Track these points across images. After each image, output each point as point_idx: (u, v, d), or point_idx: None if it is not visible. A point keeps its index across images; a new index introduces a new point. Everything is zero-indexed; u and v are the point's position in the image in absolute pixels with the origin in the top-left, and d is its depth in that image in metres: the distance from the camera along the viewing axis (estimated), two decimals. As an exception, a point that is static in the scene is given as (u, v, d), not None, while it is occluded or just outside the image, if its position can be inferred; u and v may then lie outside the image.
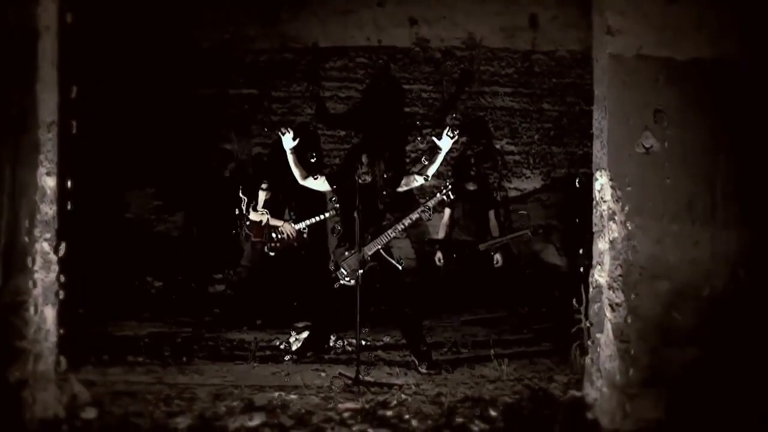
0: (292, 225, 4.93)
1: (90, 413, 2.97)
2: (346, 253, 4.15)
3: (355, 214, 3.73)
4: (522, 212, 6.42)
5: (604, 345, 2.84)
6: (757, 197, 2.80)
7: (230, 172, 6.71)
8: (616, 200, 2.82)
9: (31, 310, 2.77)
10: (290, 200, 5.10)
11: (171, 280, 6.05)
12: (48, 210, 2.83)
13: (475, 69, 6.82)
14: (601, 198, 2.88)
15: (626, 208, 2.81)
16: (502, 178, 6.68)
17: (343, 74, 6.87)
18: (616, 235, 2.82)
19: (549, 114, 6.84)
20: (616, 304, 2.81)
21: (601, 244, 2.88)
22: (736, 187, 2.81)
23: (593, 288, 2.96)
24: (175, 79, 6.53)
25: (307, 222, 4.94)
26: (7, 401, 2.72)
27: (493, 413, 2.89)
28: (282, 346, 4.39)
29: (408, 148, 6.47)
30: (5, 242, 2.70)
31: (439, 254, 5.16)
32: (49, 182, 2.83)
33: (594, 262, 2.95)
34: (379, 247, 4.12)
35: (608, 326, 2.82)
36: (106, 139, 6.02)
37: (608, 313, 2.82)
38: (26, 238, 2.75)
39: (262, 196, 5.09)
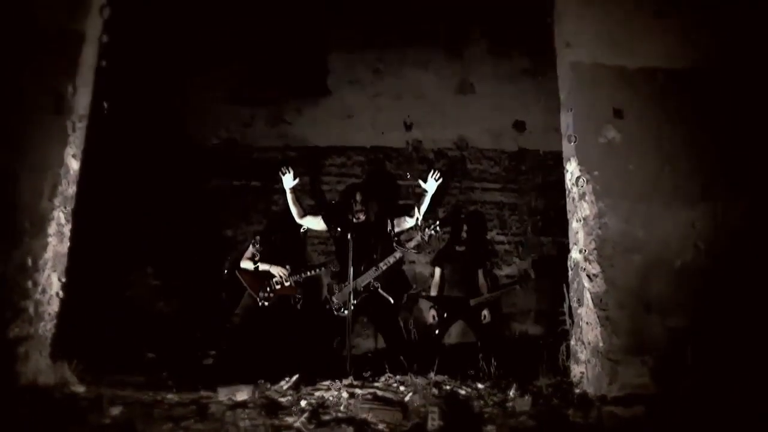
0: (284, 270, 4.93)
1: (79, 388, 2.99)
2: (340, 286, 4.29)
3: (348, 237, 3.93)
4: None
5: (585, 315, 2.96)
6: (714, 178, 3.09)
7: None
8: (585, 182, 3.10)
9: (40, 272, 2.93)
10: (285, 254, 5.20)
11: (165, 353, 6.03)
12: (69, 187, 3.10)
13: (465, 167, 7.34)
14: (572, 183, 3.17)
15: (595, 189, 3.09)
16: (493, 266, 6.91)
17: (342, 170, 7.39)
18: (587, 212, 3.07)
19: (536, 207, 7.24)
20: (593, 275, 2.98)
21: (575, 223, 3.11)
22: (694, 171, 3.11)
23: (571, 268, 3.13)
24: (183, 170, 7.00)
25: (302, 275, 5.03)
26: (3, 358, 2.78)
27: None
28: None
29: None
30: (27, 205, 2.94)
31: (432, 311, 5.25)
32: (74, 164, 3.14)
33: (570, 243, 3.16)
34: (371, 279, 4.27)
35: (587, 296, 2.96)
36: (112, 220, 6.34)
37: (586, 284, 2.97)
38: (46, 206, 2.99)
39: (252, 249, 5.20)
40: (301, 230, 4.54)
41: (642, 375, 2.81)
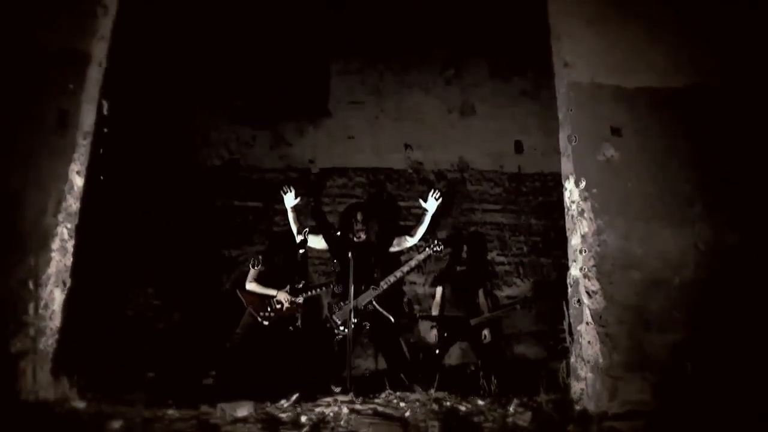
0: (288, 294, 4.99)
1: (79, 404, 2.98)
2: (341, 304, 4.30)
3: (349, 255, 3.95)
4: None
5: (585, 332, 2.96)
6: (713, 194, 3.12)
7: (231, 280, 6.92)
8: (584, 199, 3.13)
9: (43, 287, 2.95)
10: (287, 274, 5.23)
11: (165, 371, 6.00)
12: (72, 203, 3.13)
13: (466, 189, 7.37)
14: (571, 201, 3.19)
15: (593, 206, 3.11)
16: (494, 287, 6.91)
17: (343, 191, 7.41)
18: (586, 230, 3.09)
19: (536, 228, 7.25)
20: (593, 291, 2.99)
21: (574, 240, 3.13)
22: (692, 188, 3.14)
23: (571, 285, 3.14)
24: (185, 190, 7.04)
25: (304, 295, 5.06)
26: (4, 372, 2.78)
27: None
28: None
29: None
30: (31, 220, 2.97)
31: (433, 331, 5.24)
32: (78, 181, 3.17)
33: (569, 260, 3.17)
34: (371, 298, 4.29)
35: (587, 312, 2.96)
36: (114, 237, 6.35)
37: (586, 300, 2.98)
38: (49, 222, 3.02)
39: (254, 270, 5.25)
40: (300, 238, 4.55)
41: (642, 391, 2.81)
